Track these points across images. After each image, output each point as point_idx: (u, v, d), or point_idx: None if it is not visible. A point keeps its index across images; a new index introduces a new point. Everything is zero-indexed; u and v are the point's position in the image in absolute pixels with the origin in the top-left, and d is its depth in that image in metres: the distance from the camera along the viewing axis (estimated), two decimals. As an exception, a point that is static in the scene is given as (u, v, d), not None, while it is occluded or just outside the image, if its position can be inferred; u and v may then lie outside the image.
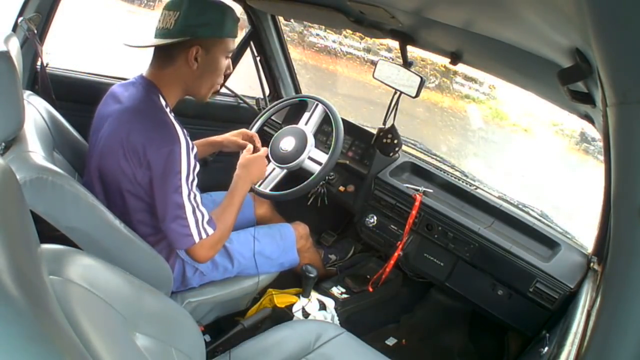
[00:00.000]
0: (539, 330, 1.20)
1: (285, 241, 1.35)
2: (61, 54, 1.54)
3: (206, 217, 0.99)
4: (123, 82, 1.07)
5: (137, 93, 0.99)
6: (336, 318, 1.38)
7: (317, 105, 1.53)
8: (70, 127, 1.13)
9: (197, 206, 0.97)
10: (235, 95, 1.81)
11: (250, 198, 1.54)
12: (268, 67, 1.86)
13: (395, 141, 1.41)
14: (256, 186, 1.45)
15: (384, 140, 1.42)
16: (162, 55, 1.00)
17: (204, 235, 0.98)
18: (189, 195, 0.95)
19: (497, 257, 1.29)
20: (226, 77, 1.08)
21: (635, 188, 0.44)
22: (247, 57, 1.83)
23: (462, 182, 1.53)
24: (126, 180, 0.96)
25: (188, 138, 0.95)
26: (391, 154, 1.44)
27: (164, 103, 0.99)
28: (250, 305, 1.35)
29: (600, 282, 0.91)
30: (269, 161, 1.50)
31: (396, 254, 1.45)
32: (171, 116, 0.97)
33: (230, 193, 1.11)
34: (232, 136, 1.36)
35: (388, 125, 1.43)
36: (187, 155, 0.94)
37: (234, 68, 1.73)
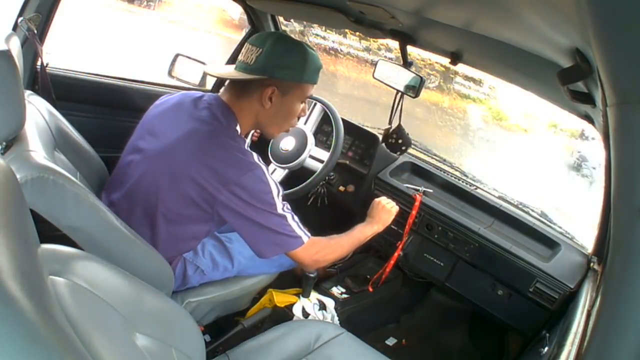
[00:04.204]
0: (539, 330, 1.20)
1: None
2: (61, 54, 1.54)
3: (300, 223, 1.02)
4: (193, 94, 1.07)
5: (216, 115, 0.99)
6: (336, 318, 1.38)
7: (315, 104, 1.53)
8: (71, 127, 1.13)
9: (292, 213, 1.00)
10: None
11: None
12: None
13: (400, 141, 1.41)
14: None
15: (389, 140, 1.43)
16: (239, 86, 1.01)
17: (308, 234, 1.01)
18: (283, 207, 0.98)
19: (497, 257, 1.29)
20: (299, 118, 1.13)
21: (635, 188, 0.44)
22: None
23: (462, 182, 1.53)
24: (196, 198, 0.95)
25: (262, 161, 0.99)
26: (398, 153, 1.45)
27: (239, 130, 1.01)
28: (250, 305, 1.35)
29: (600, 282, 0.91)
30: (270, 162, 1.51)
31: (396, 254, 1.45)
32: (246, 144, 0.99)
33: (352, 230, 1.19)
34: None
35: (394, 125, 1.43)
36: (269, 174, 0.97)
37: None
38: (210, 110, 1.00)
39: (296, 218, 1.01)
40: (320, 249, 1.05)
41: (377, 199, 1.31)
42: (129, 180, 1.03)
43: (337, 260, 1.21)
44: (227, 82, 1.05)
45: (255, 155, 0.98)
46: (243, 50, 1.00)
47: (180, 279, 1.14)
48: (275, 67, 0.96)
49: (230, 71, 1.02)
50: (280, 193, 0.98)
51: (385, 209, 1.28)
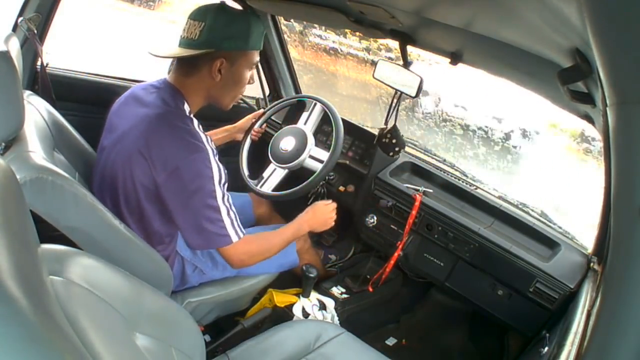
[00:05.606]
0: (539, 330, 1.20)
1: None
2: (61, 54, 1.54)
3: (237, 219, 1.00)
4: (144, 83, 1.08)
5: (163, 99, 0.99)
6: (336, 318, 1.38)
7: (315, 104, 1.53)
8: (70, 127, 1.13)
9: (230, 207, 0.98)
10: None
11: (250, 198, 1.54)
12: (268, 67, 1.86)
13: (394, 141, 1.41)
14: (257, 186, 1.45)
15: (384, 140, 1.42)
16: (186, 64, 1.00)
17: (240, 235, 0.99)
18: (222, 197, 0.96)
19: (497, 257, 1.29)
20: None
21: (635, 188, 0.44)
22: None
23: (462, 182, 1.53)
24: (144, 181, 0.96)
25: (212, 144, 0.97)
26: (391, 154, 1.45)
27: (187, 110, 1.01)
28: (250, 305, 1.35)
29: (600, 282, 0.90)
30: (270, 162, 1.51)
31: (396, 254, 1.45)
32: (195, 123, 0.98)
33: (287, 226, 1.17)
34: (241, 124, 1.48)
35: (389, 125, 1.43)
36: (215, 160, 0.95)
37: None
38: (158, 94, 1.00)
39: (233, 213, 0.98)
40: (249, 250, 1.04)
41: (325, 204, 1.30)
42: (95, 179, 1.05)
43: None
44: (173, 62, 1.04)
45: (204, 137, 0.96)
46: (185, 26, 1.00)
47: (179, 278, 1.14)
48: (220, 39, 0.96)
49: (175, 50, 1.01)
50: (224, 181, 0.96)
51: (327, 216, 1.28)
